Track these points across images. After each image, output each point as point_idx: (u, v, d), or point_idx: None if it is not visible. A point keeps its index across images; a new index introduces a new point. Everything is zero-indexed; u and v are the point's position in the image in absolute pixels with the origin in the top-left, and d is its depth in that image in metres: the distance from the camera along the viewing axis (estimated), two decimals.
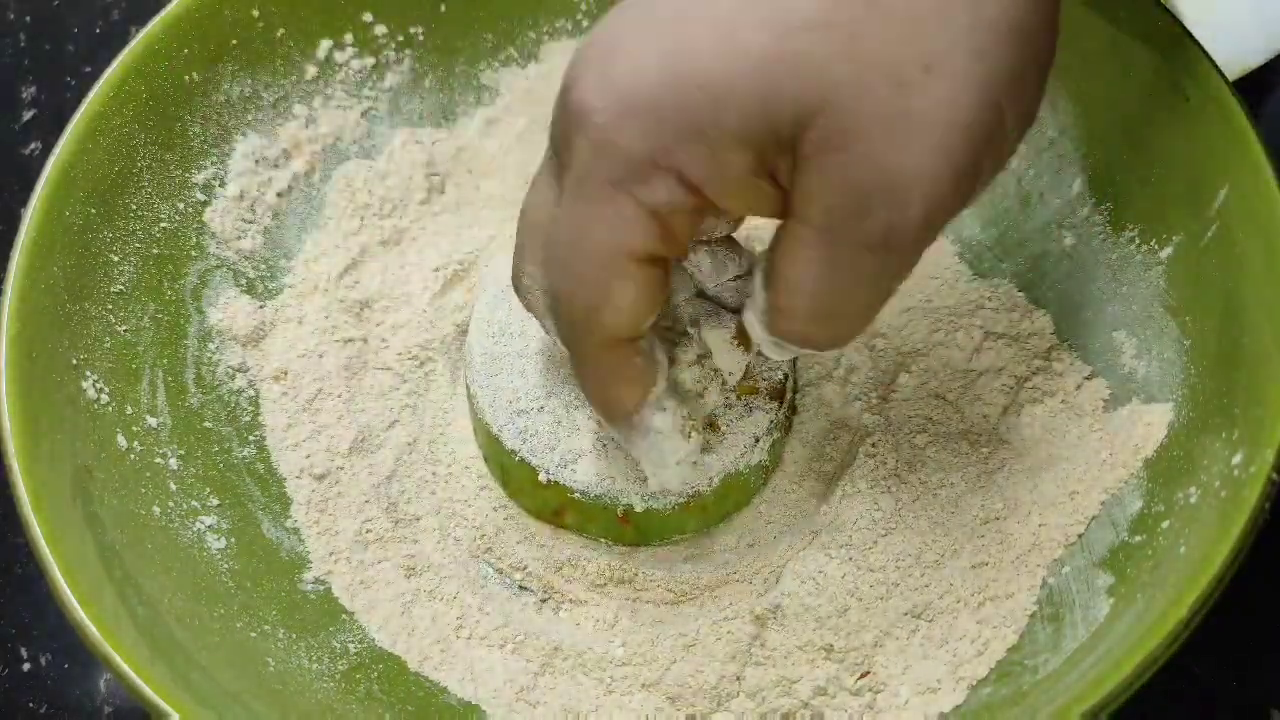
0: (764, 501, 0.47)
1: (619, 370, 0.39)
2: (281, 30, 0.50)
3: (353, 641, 0.44)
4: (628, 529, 0.45)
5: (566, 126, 0.36)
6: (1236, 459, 0.39)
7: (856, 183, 0.34)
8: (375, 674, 0.43)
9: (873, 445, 0.46)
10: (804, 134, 0.34)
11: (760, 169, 0.35)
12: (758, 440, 0.44)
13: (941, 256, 0.50)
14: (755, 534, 0.46)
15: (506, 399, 0.45)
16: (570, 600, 0.46)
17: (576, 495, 0.44)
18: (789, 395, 0.46)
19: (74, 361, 0.44)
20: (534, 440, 0.44)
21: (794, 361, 0.46)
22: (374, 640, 0.44)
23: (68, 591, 0.38)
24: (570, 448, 0.44)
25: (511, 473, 0.46)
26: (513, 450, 0.45)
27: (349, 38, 0.51)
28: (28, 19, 0.63)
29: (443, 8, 0.52)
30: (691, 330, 0.43)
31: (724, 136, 0.34)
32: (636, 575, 0.46)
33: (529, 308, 0.41)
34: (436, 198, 0.52)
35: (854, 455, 0.47)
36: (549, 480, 0.44)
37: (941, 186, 0.34)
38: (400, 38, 0.52)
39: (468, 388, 0.47)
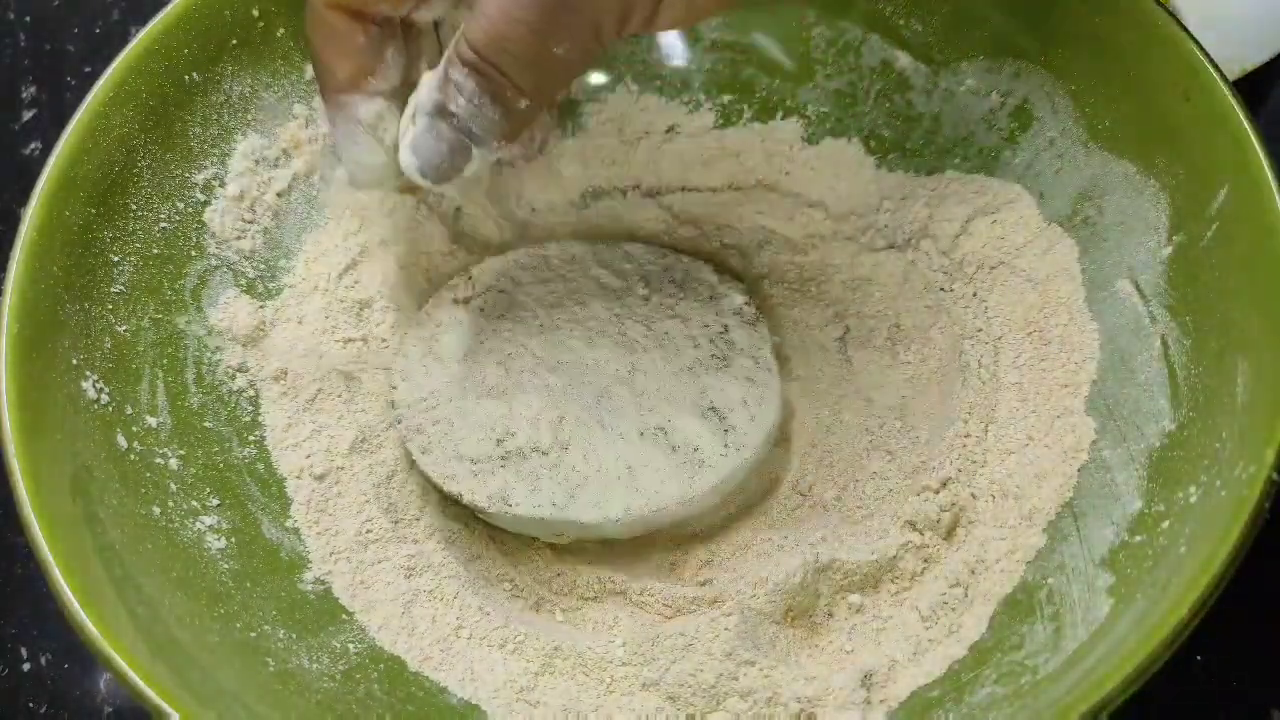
0: (769, 508, 0.47)
1: (335, 37, 0.42)
2: (281, 30, 0.50)
3: (353, 641, 0.44)
4: None
5: None
6: (1236, 459, 0.39)
7: None
8: (375, 674, 0.43)
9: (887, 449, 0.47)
10: None
11: None
12: None
13: (938, 255, 0.50)
14: (754, 537, 0.46)
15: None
16: (563, 609, 0.46)
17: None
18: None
19: (74, 361, 0.44)
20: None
21: None
22: (374, 640, 0.44)
23: (68, 591, 0.38)
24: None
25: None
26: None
27: None
28: (28, 19, 0.63)
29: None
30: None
31: None
32: (629, 587, 0.46)
33: None
34: (436, 197, 0.52)
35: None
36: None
37: None
38: None
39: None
